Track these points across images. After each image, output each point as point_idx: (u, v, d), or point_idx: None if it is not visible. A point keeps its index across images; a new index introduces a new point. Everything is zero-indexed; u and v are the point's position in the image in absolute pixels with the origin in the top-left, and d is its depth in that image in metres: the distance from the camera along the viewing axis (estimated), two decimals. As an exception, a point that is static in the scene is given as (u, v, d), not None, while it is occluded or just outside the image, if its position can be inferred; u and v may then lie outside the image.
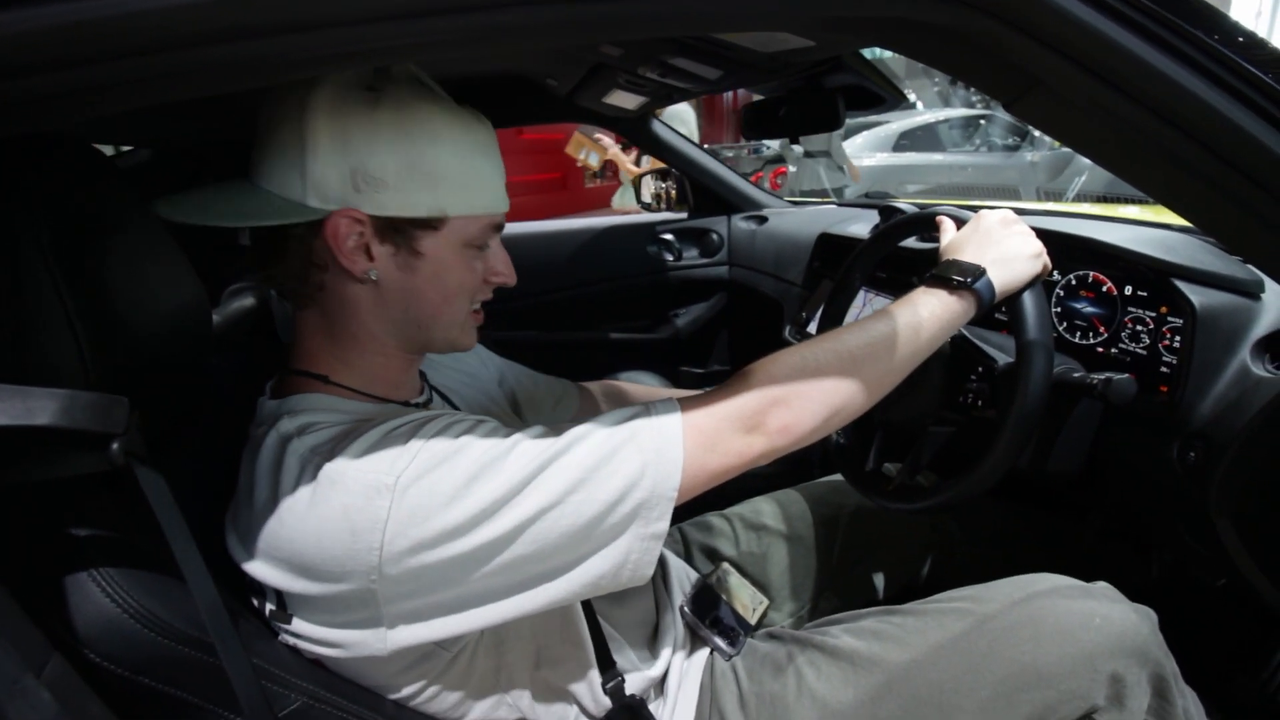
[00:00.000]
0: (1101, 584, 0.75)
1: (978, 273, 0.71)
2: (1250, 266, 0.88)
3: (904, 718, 0.70)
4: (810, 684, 0.73)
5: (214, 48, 0.40)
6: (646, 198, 2.12)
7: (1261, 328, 0.83)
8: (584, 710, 0.71)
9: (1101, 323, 0.95)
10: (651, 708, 0.74)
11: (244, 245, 0.66)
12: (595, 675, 0.71)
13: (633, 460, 0.55)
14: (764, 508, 1.05)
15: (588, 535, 0.54)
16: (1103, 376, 0.80)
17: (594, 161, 3.05)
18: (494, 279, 0.68)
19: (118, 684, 0.49)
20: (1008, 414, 0.76)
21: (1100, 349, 0.95)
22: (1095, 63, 0.49)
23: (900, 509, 0.89)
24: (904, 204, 1.18)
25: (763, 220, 1.88)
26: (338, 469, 0.53)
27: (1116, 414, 0.89)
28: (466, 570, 0.53)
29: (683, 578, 0.90)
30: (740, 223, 1.93)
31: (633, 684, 0.73)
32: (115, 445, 0.44)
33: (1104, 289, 0.95)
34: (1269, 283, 0.87)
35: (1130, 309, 0.92)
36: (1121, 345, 0.92)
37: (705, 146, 1.99)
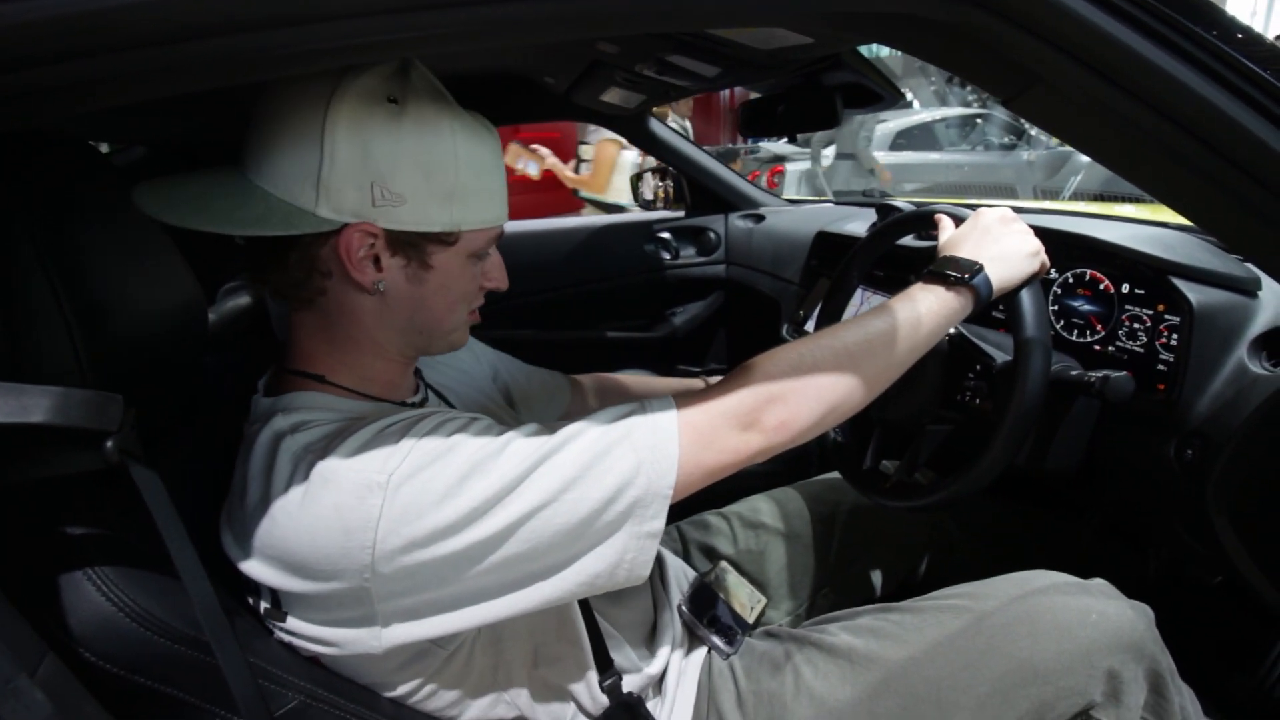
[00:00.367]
0: (1099, 581, 0.75)
1: (975, 269, 0.71)
2: (1247, 264, 0.89)
3: (902, 715, 0.70)
4: (808, 682, 0.73)
5: (211, 41, 0.40)
6: (648, 195, 2.11)
7: (1258, 325, 0.83)
8: (581, 708, 0.71)
9: (1099, 321, 0.95)
10: (649, 706, 0.74)
11: (241, 242, 0.66)
12: (593, 674, 0.71)
13: (627, 458, 0.54)
14: (761, 506, 1.05)
15: (582, 533, 0.54)
16: (1100, 374, 0.81)
17: (533, 171, 3.01)
18: (487, 284, 0.68)
19: (113, 683, 0.48)
20: (1005, 412, 0.76)
21: (1097, 347, 0.95)
22: (1095, 59, 0.49)
23: (898, 507, 0.89)
24: (901, 202, 1.18)
25: (760, 219, 1.88)
26: (330, 467, 0.52)
27: (1114, 412, 0.89)
28: (460, 568, 0.53)
29: (680, 576, 0.90)
30: (737, 221, 1.93)
31: (630, 682, 0.73)
32: (110, 443, 0.44)
33: (1101, 287, 0.95)
34: (1266, 280, 0.87)
35: (1127, 307, 0.92)
36: (1119, 343, 0.92)
37: (705, 148, 1.99)
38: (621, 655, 0.74)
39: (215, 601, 0.49)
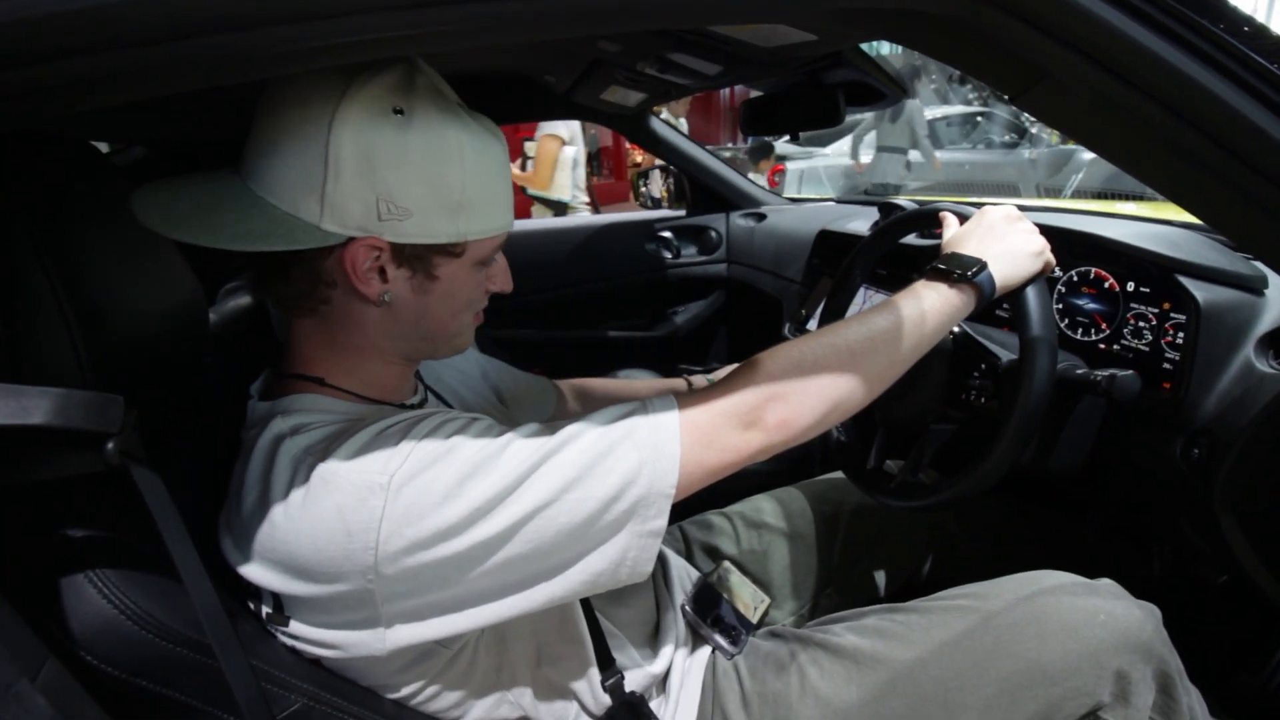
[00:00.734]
0: (1106, 581, 0.75)
1: (978, 266, 0.70)
2: (1254, 262, 0.88)
3: (908, 716, 0.70)
4: (814, 683, 0.73)
5: (210, 38, 0.39)
6: (656, 193, 2.11)
7: (1265, 324, 0.83)
8: (584, 708, 0.71)
9: (1103, 319, 0.94)
10: (653, 706, 0.74)
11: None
12: (595, 673, 0.70)
13: (629, 457, 0.54)
14: (764, 505, 1.05)
15: (584, 533, 0.54)
16: (1107, 373, 0.80)
17: None
18: (491, 287, 0.67)
19: (115, 687, 0.48)
20: (1011, 411, 0.75)
21: (1102, 345, 0.94)
22: (1102, 54, 0.48)
23: (902, 506, 0.89)
24: (904, 200, 1.17)
25: (761, 217, 1.87)
26: (331, 469, 0.52)
27: (1119, 411, 0.89)
28: (463, 569, 0.53)
29: (684, 576, 0.90)
30: (739, 220, 1.93)
31: (633, 681, 0.72)
32: (111, 445, 0.43)
33: (1106, 285, 0.95)
34: (1273, 278, 0.86)
35: (1133, 305, 0.91)
36: (1124, 342, 0.92)
37: (708, 147, 1.99)
38: (624, 654, 0.74)
39: (217, 604, 0.49)
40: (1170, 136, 0.52)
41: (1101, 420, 0.90)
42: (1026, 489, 1.18)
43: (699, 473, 0.57)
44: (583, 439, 0.55)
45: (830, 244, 1.55)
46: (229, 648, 0.49)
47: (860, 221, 1.49)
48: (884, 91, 1.13)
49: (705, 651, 0.80)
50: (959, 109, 6.64)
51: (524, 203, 3.54)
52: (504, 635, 0.65)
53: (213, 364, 0.75)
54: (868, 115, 5.53)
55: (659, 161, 1.94)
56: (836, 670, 0.73)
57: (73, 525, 0.50)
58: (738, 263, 1.92)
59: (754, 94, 1.35)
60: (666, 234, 1.93)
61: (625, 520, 0.54)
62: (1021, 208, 0.82)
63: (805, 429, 0.60)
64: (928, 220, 0.90)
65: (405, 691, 0.61)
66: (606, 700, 0.71)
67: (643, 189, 2.12)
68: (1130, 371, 0.80)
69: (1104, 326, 0.94)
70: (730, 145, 8.02)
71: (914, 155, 5.37)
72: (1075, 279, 0.98)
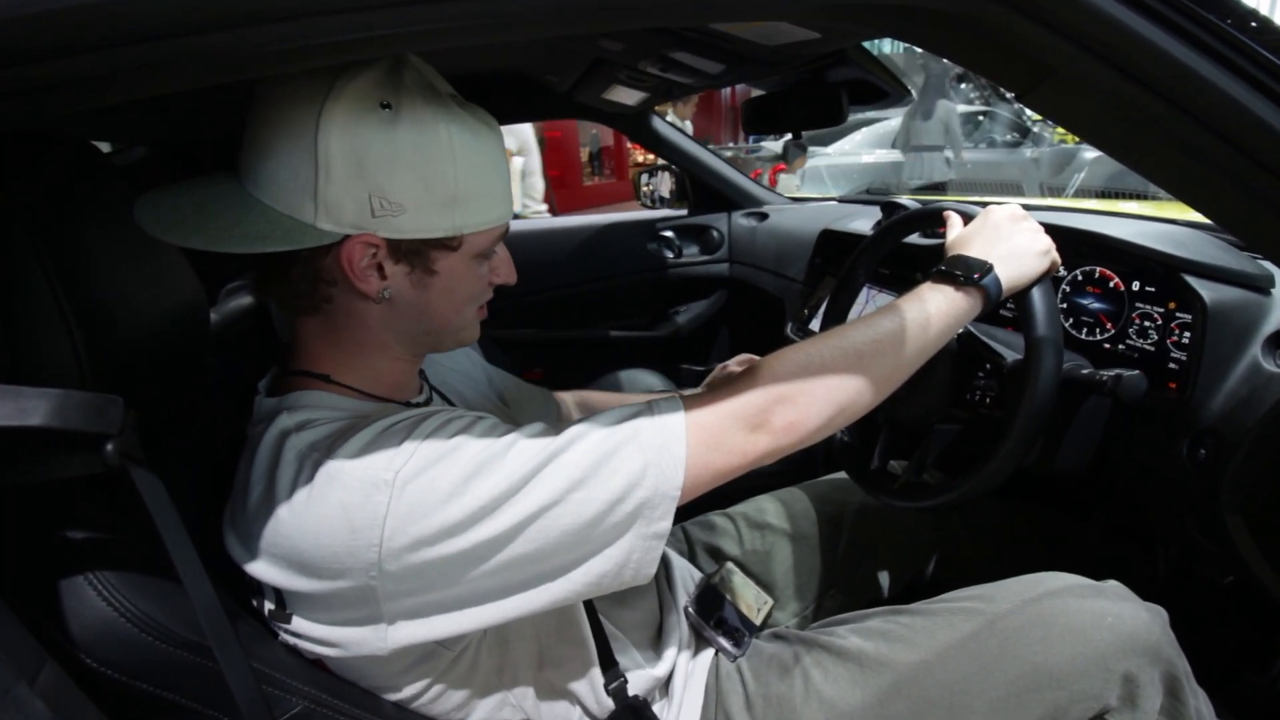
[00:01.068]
0: (1113, 583, 0.74)
1: (985, 268, 0.70)
2: (1260, 261, 0.88)
3: (913, 719, 0.69)
4: (818, 685, 0.73)
5: (208, 36, 0.39)
6: (664, 192, 2.11)
7: (1272, 323, 0.82)
8: (587, 711, 0.70)
9: (1109, 319, 0.94)
10: (656, 709, 0.74)
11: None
12: (597, 675, 0.70)
13: (635, 459, 0.54)
14: (768, 506, 1.04)
15: (589, 534, 0.53)
16: (1113, 373, 0.79)
17: None
18: (495, 280, 0.67)
19: (114, 689, 0.48)
20: (1016, 411, 0.75)
21: (1107, 345, 0.94)
22: (1109, 50, 0.48)
23: (906, 507, 0.88)
24: (907, 200, 1.17)
25: (763, 217, 1.87)
26: (336, 465, 0.52)
27: (1125, 411, 0.88)
28: (466, 568, 0.52)
29: (686, 578, 0.89)
30: (741, 219, 1.92)
31: (636, 684, 0.72)
32: (110, 446, 0.43)
33: (1111, 284, 0.94)
34: None
35: (1138, 305, 0.91)
36: (1129, 341, 0.91)
37: (710, 146, 1.98)
38: (626, 657, 0.74)
39: (218, 605, 0.48)
40: (1177, 133, 0.51)
41: (1107, 420, 0.89)
42: (1031, 490, 1.17)
43: (705, 475, 0.56)
44: (588, 439, 0.54)
45: (833, 243, 1.55)
46: (229, 650, 0.49)
47: (863, 221, 1.49)
48: (886, 90, 1.13)
49: (708, 654, 0.80)
50: (961, 108, 6.64)
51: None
52: (506, 637, 0.65)
53: (214, 364, 0.74)
54: (886, 113, 5.59)
55: (660, 161, 1.93)
56: (841, 673, 0.73)
57: (72, 527, 0.50)
58: (740, 262, 1.92)
59: (755, 93, 1.35)
60: (668, 233, 1.93)
61: (630, 522, 0.54)
62: (1026, 206, 0.81)
63: (812, 432, 0.59)
64: (931, 219, 0.89)
65: (407, 693, 0.61)
66: (609, 703, 0.70)
67: (644, 188, 2.11)
68: (1136, 371, 0.79)
69: (1109, 326, 0.94)
70: (732, 144, 8.02)
71: (880, 157, 5.41)
72: (1080, 278, 0.97)
